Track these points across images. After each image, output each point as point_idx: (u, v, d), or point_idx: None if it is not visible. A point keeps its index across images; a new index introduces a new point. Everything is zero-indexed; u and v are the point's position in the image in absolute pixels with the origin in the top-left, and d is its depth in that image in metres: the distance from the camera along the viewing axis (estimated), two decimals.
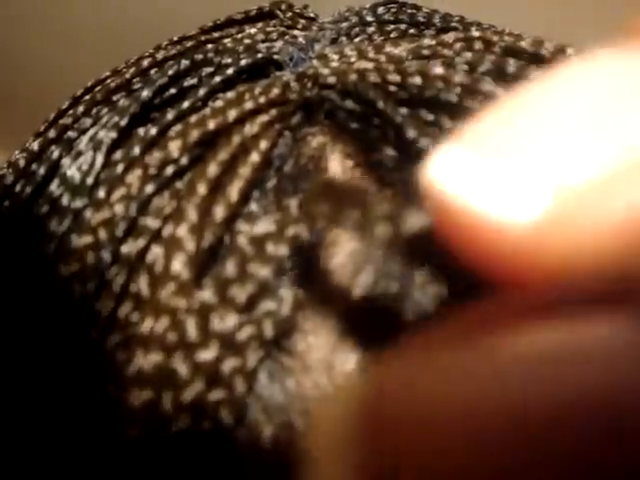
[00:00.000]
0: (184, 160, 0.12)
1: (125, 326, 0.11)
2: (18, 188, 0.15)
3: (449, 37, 0.16)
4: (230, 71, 0.16)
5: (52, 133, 0.16)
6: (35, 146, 0.16)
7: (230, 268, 0.11)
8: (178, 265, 0.11)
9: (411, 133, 0.12)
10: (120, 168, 0.13)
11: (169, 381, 0.10)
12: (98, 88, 0.17)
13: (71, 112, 0.16)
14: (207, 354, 0.10)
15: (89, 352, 0.11)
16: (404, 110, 0.12)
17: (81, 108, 0.16)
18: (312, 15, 0.22)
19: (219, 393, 0.10)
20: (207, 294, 0.10)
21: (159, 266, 0.11)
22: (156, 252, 0.11)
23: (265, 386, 0.10)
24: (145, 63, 0.17)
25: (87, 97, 0.17)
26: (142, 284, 0.11)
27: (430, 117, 0.12)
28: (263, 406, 0.10)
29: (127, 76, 0.17)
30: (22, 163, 0.15)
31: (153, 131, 0.14)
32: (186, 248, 0.11)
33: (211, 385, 0.10)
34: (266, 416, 0.10)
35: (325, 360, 0.10)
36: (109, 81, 0.17)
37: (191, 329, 0.10)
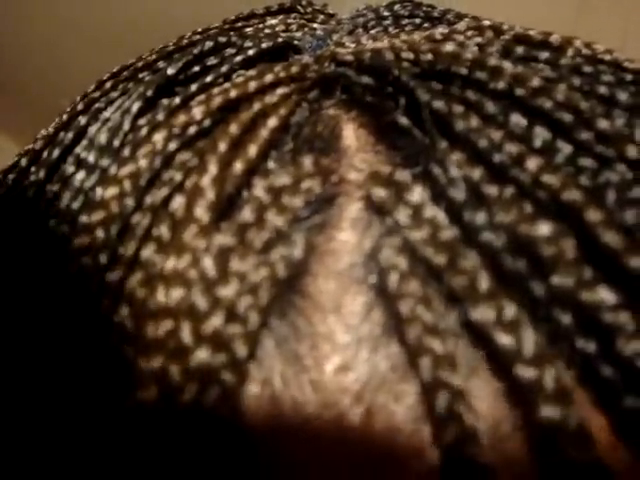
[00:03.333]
0: (207, 122, 0.13)
1: (147, 265, 0.11)
2: (45, 154, 0.16)
3: (461, 25, 0.17)
4: (251, 52, 0.17)
5: (80, 106, 0.17)
6: (64, 117, 0.17)
7: (248, 215, 0.11)
8: (199, 210, 0.11)
9: (424, 97, 0.13)
10: (145, 130, 0.14)
11: (189, 313, 0.10)
12: (124, 70, 0.18)
13: (99, 88, 0.18)
14: (226, 290, 0.11)
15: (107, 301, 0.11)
16: (418, 80, 0.13)
17: (108, 85, 0.17)
18: (331, 12, 0.23)
19: (235, 327, 0.10)
20: (226, 237, 0.11)
21: (181, 212, 0.12)
22: (179, 200, 0.12)
23: (277, 323, 0.11)
24: (170, 48, 0.19)
25: (112, 79, 0.18)
26: (164, 228, 0.12)
27: (439, 87, 0.13)
28: (275, 341, 0.11)
29: (153, 57, 0.18)
30: (51, 131, 0.17)
31: (177, 100, 0.15)
32: (207, 196, 0.12)
33: (229, 319, 0.10)
34: (278, 350, 0.11)
35: (334, 300, 0.11)
36: (135, 63, 0.18)
37: (210, 267, 0.11)
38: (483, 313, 0.10)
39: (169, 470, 0.10)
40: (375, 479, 0.10)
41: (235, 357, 0.10)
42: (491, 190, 0.12)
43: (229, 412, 0.10)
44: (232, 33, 0.19)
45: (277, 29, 0.20)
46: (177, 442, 0.10)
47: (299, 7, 0.22)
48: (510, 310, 0.10)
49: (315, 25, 0.21)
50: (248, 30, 0.20)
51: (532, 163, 0.12)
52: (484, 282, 0.11)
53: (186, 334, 0.10)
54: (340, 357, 0.11)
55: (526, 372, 0.10)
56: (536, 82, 0.13)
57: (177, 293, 0.11)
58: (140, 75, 0.17)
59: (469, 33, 0.16)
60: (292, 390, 0.10)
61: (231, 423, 0.10)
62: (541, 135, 0.12)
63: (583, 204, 0.11)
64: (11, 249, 0.14)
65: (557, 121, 0.12)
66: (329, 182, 0.12)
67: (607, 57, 0.16)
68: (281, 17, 0.21)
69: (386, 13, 0.20)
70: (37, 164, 0.15)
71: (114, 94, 0.17)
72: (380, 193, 0.12)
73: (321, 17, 0.22)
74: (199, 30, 0.21)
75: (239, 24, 0.21)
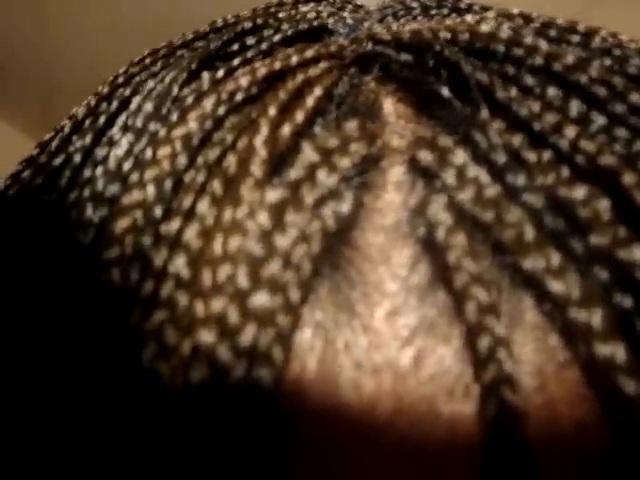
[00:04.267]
0: (254, 90, 0.14)
1: (203, 218, 0.12)
2: (88, 122, 0.16)
3: (490, 13, 0.18)
4: (289, 32, 0.17)
5: (121, 79, 0.18)
6: (104, 90, 0.17)
7: (300, 172, 0.12)
8: (253, 167, 0.12)
9: (467, 68, 0.13)
10: (192, 98, 0.15)
11: (247, 259, 0.11)
12: (159, 50, 0.19)
13: (138, 64, 0.18)
14: (281, 240, 0.11)
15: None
16: (459, 54, 0.14)
17: (148, 60, 0.18)
18: (359, 3, 0.24)
19: (290, 274, 0.11)
20: (280, 191, 0.12)
21: (234, 168, 0.12)
22: (231, 159, 0.13)
23: (329, 272, 0.11)
24: (206, 29, 0.19)
25: (150, 57, 0.19)
26: (217, 184, 0.12)
27: (481, 62, 0.14)
28: (327, 289, 0.11)
29: (189, 38, 0.19)
30: (92, 102, 0.17)
31: (220, 72, 0.15)
32: (260, 154, 0.12)
33: (284, 265, 0.11)
34: (330, 297, 0.11)
35: (382, 252, 0.12)
36: (171, 43, 0.19)
37: (265, 218, 0.11)
38: (533, 262, 0.11)
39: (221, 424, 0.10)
40: (424, 423, 0.10)
41: (289, 301, 0.11)
42: (530, 155, 0.12)
43: (283, 356, 0.11)
44: (267, 17, 0.20)
45: (309, 16, 0.21)
46: (228, 393, 0.10)
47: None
48: (557, 259, 0.11)
49: (345, 14, 0.22)
50: (282, 15, 0.21)
51: (570, 131, 0.12)
52: (530, 234, 0.11)
53: (244, 279, 0.11)
54: (390, 303, 0.11)
55: (578, 314, 0.10)
56: (571, 59, 0.14)
57: (235, 242, 0.11)
58: (179, 52, 0.18)
59: (500, 19, 0.17)
60: (344, 334, 0.11)
61: (282, 369, 0.11)
62: (576, 107, 0.13)
63: (618, 168, 0.12)
64: (56, 210, 0.15)
65: (592, 94, 0.13)
66: (374, 146, 0.13)
67: (632, 45, 0.16)
68: (312, 5, 0.22)
69: (414, 4, 0.21)
70: (81, 132, 0.16)
71: (154, 68, 0.17)
72: (426, 156, 0.13)
73: (350, 7, 0.23)
74: (231, 16, 0.22)
75: (272, 10, 0.21)
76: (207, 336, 0.11)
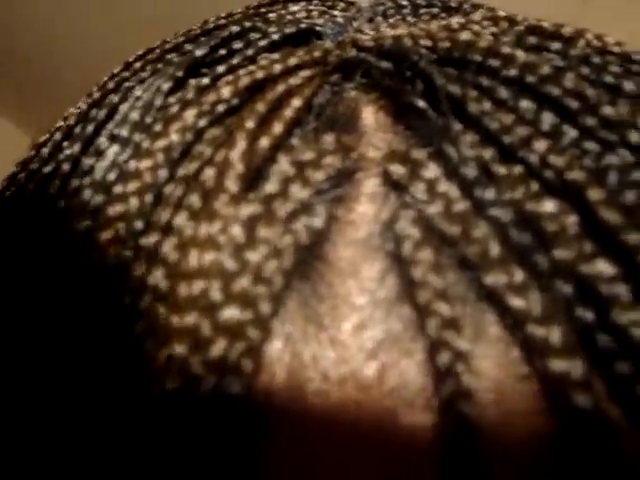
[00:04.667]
0: (235, 101, 0.14)
1: (180, 231, 0.12)
2: (78, 130, 0.17)
3: (477, 15, 0.18)
4: (276, 37, 0.18)
5: (111, 85, 0.18)
6: (95, 95, 0.18)
7: (274, 186, 0.13)
8: (229, 181, 0.13)
9: (440, 81, 0.13)
10: (176, 108, 0.15)
11: (220, 274, 0.12)
12: (151, 52, 0.19)
13: (127, 69, 0.19)
14: (253, 255, 0.12)
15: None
16: (435, 66, 0.14)
17: (137, 65, 0.18)
18: (351, 0, 0.24)
19: (261, 288, 0.12)
20: (253, 206, 0.12)
21: (211, 182, 0.13)
22: (209, 173, 0.13)
23: (299, 285, 0.12)
24: (196, 31, 0.20)
25: (141, 59, 0.19)
26: (195, 198, 0.13)
27: (455, 72, 0.14)
28: (297, 302, 0.12)
29: (180, 40, 0.19)
30: (83, 108, 0.18)
31: (206, 80, 0.16)
32: (236, 168, 0.13)
33: (255, 280, 0.12)
34: (300, 310, 0.12)
35: (353, 265, 0.12)
36: (161, 45, 0.19)
37: (239, 233, 0.12)
38: (495, 278, 0.11)
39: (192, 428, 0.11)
40: (385, 432, 0.11)
41: (260, 314, 0.11)
42: (500, 169, 0.13)
43: (252, 367, 0.11)
44: (256, 18, 0.20)
45: (298, 15, 0.21)
46: (200, 401, 0.11)
47: None
48: (519, 276, 0.11)
49: (335, 12, 0.22)
50: (271, 16, 0.21)
51: (540, 145, 0.13)
52: (495, 250, 0.12)
53: (216, 293, 0.11)
54: (357, 317, 0.12)
55: (536, 330, 0.11)
56: (546, 70, 0.14)
57: (209, 256, 0.12)
58: (168, 56, 0.18)
59: (485, 23, 0.17)
60: (312, 346, 0.11)
61: (251, 379, 0.11)
62: (548, 119, 0.13)
63: (586, 184, 0.12)
64: (46, 218, 0.15)
65: (564, 107, 0.13)
66: (349, 158, 0.13)
67: (616, 49, 0.17)
68: (303, 4, 0.22)
69: (404, 2, 0.21)
70: (71, 139, 0.17)
71: (144, 74, 0.18)
72: (398, 169, 0.13)
73: (341, 5, 0.23)
74: (223, 15, 0.22)
75: (262, 10, 0.21)
76: (180, 348, 0.11)
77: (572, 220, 0.12)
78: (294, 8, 0.21)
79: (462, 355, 0.11)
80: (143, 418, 0.11)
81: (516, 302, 0.11)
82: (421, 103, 0.14)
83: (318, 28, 0.19)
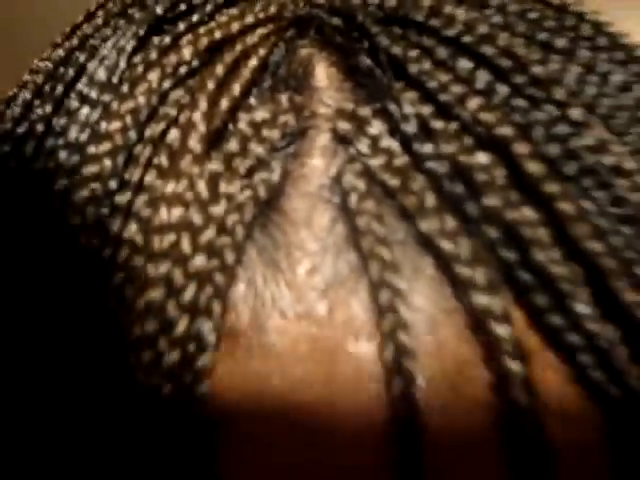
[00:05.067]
0: (195, 62, 0.16)
1: (150, 189, 0.14)
2: (47, 88, 0.18)
3: None
4: None
5: (75, 41, 0.19)
6: (60, 52, 0.19)
7: (234, 145, 0.14)
8: (192, 142, 0.14)
9: (383, 42, 0.15)
10: (140, 69, 0.16)
11: (188, 228, 0.13)
12: (112, 3, 0.20)
13: (90, 23, 0.19)
14: (217, 209, 0.13)
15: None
16: (379, 26, 0.15)
17: (99, 20, 0.19)
18: None
19: (225, 239, 0.13)
20: (216, 164, 0.14)
21: (177, 143, 0.14)
22: (174, 133, 0.14)
23: (259, 236, 0.14)
24: None
25: (102, 11, 0.20)
26: (163, 157, 0.14)
27: (399, 32, 0.15)
28: (257, 250, 0.13)
29: None
30: (50, 66, 0.18)
31: (167, 40, 0.17)
32: (199, 129, 0.14)
33: (219, 232, 0.13)
34: (259, 257, 0.13)
35: (305, 216, 0.14)
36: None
37: (203, 190, 0.13)
38: (430, 225, 0.13)
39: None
40: (335, 363, 0.13)
41: (225, 262, 0.13)
42: (437, 125, 0.14)
43: (220, 309, 0.13)
44: None
45: None
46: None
47: None
48: (451, 222, 0.13)
49: None
50: None
51: (473, 102, 0.14)
52: (430, 200, 0.13)
53: (186, 245, 0.13)
54: (310, 262, 0.13)
55: (463, 270, 0.13)
56: (483, 29, 0.15)
57: (177, 212, 0.13)
58: (130, 11, 0.19)
59: None
60: (271, 288, 0.13)
61: (220, 319, 0.13)
62: (483, 78, 0.15)
63: (513, 138, 0.14)
64: (24, 178, 0.16)
65: (497, 66, 0.15)
66: (302, 116, 0.15)
67: (555, 1, 0.18)
68: None
69: None
70: (41, 98, 0.17)
71: (107, 31, 0.19)
72: (345, 126, 0.14)
73: None
74: None
75: None
76: (156, 294, 0.13)
77: (500, 172, 0.14)
78: None
79: (400, 293, 0.13)
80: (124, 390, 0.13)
81: (447, 246, 0.13)
82: (367, 62, 0.15)
83: None
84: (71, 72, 0.17)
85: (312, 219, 0.14)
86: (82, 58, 0.18)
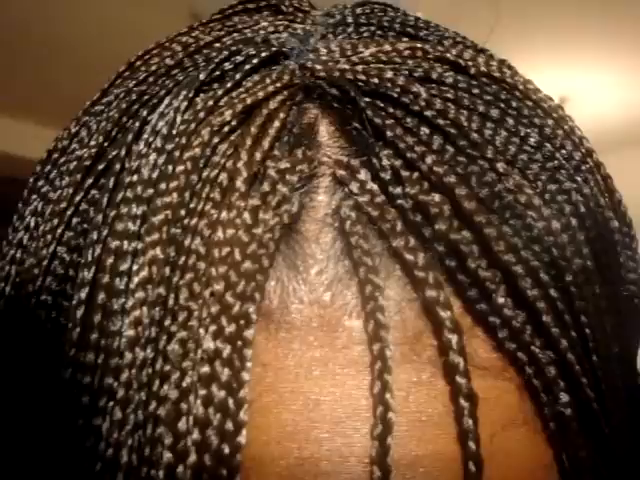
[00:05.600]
0: (234, 122, 0.22)
1: (208, 215, 0.20)
2: (120, 136, 0.24)
3: (400, 45, 0.25)
4: (255, 60, 0.25)
5: (134, 96, 0.25)
6: (122, 105, 0.25)
7: (266, 187, 0.20)
8: (239, 183, 0.20)
9: (369, 113, 0.21)
10: (192, 125, 0.22)
11: (238, 242, 0.20)
12: (154, 61, 0.26)
13: (136, 77, 0.25)
14: (257, 231, 0.20)
15: None
16: (366, 99, 0.22)
17: (150, 78, 0.25)
18: (307, 8, 0.31)
19: (262, 250, 0.20)
20: (255, 200, 0.20)
21: (225, 183, 0.20)
22: (223, 176, 0.21)
23: (284, 248, 0.20)
24: (187, 44, 0.26)
25: (145, 66, 0.26)
26: (216, 194, 0.21)
27: (381, 105, 0.22)
28: (282, 258, 0.20)
29: (179, 53, 0.26)
30: (115, 116, 0.24)
31: (210, 103, 0.23)
32: (243, 174, 0.21)
33: (259, 247, 0.20)
34: (284, 263, 0.20)
35: (315, 235, 0.20)
36: (163, 57, 0.26)
37: (248, 218, 0.20)
38: (399, 242, 0.20)
39: None
40: (335, 332, 0.20)
41: (262, 266, 0.19)
42: (405, 174, 0.21)
43: (260, 297, 0.19)
44: (236, 35, 0.27)
45: (268, 30, 0.28)
46: None
47: (282, 7, 0.30)
48: (412, 241, 0.20)
49: (296, 25, 0.29)
50: (247, 31, 0.28)
51: (429, 159, 0.21)
52: (399, 226, 0.20)
53: (237, 254, 0.20)
54: (318, 266, 0.20)
55: (419, 272, 0.20)
56: (439, 105, 0.22)
57: (230, 232, 0.20)
58: (172, 72, 0.25)
59: (405, 53, 0.25)
60: (292, 284, 0.20)
61: (259, 304, 0.19)
62: (437, 141, 0.21)
63: (455, 184, 0.21)
64: (110, 204, 0.22)
65: (447, 133, 0.21)
66: (311, 165, 0.21)
67: (497, 74, 0.25)
68: (270, 20, 0.29)
69: (350, 19, 0.28)
70: (114, 144, 0.24)
71: (157, 89, 0.25)
72: (341, 172, 0.21)
73: (299, 16, 0.30)
74: (203, 21, 0.29)
75: (239, 26, 0.28)
76: (219, 287, 0.19)
77: (447, 206, 0.21)
78: (264, 24, 0.28)
79: (379, 287, 0.19)
80: None
81: (409, 257, 0.20)
82: (357, 125, 0.22)
83: (284, 49, 0.26)
84: (137, 125, 0.24)
85: (319, 237, 0.20)
86: (145, 112, 0.24)
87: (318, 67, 0.24)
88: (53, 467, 0.20)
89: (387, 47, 0.25)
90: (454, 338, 0.19)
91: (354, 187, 0.21)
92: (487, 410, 0.20)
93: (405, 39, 0.27)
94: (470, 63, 0.25)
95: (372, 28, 0.28)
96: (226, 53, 0.25)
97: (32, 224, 0.25)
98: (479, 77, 0.24)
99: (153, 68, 0.26)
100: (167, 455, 0.18)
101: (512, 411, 0.20)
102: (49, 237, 0.23)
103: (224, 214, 0.20)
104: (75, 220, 0.23)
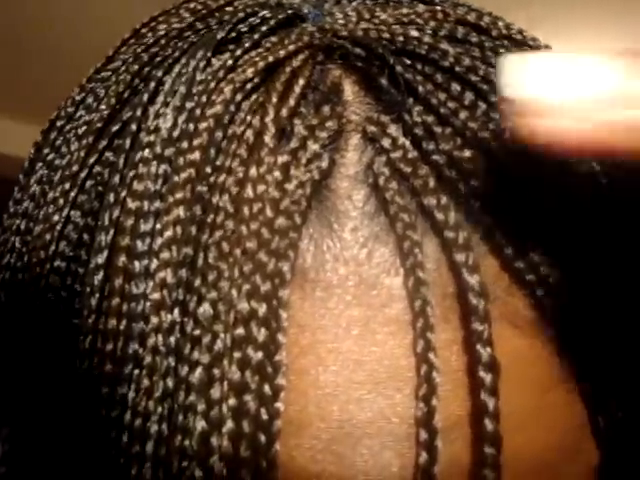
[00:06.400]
0: (257, 80, 0.21)
1: (236, 172, 0.20)
2: (132, 96, 0.23)
3: (419, 8, 0.25)
4: (272, 22, 0.24)
5: (145, 57, 0.24)
6: (135, 67, 0.24)
7: (296, 143, 0.20)
8: (267, 139, 0.20)
9: (399, 69, 0.21)
10: (213, 84, 0.21)
11: (269, 199, 0.19)
12: (162, 26, 0.25)
13: (144, 42, 0.25)
14: (289, 186, 0.19)
15: None
16: (395, 57, 0.21)
17: (163, 41, 0.24)
18: None
19: (295, 207, 0.19)
20: (285, 156, 0.19)
21: (252, 140, 0.20)
22: (249, 133, 0.20)
23: (316, 205, 0.19)
24: (197, 7, 0.26)
25: (153, 33, 0.25)
26: (243, 150, 0.20)
27: (409, 62, 0.22)
28: (315, 215, 0.19)
29: (187, 18, 0.25)
30: (128, 78, 0.24)
31: (229, 62, 0.22)
32: (271, 130, 0.20)
33: (292, 203, 0.19)
34: (317, 220, 0.19)
35: (347, 192, 0.20)
36: (170, 23, 0.25)
37: (279, 174, 0.19)
38: (430, 201, 0.19)
39: None
40: (371, 290, 0.19)
41: (295, 223, 0.19)
42: (438, 129, 0.20)
43: (293, 255, 0.19)
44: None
45: None
46: None
47: None
48: (444, 199, 0.19)
49: None
50: None
51: (462, 114, 0.20)
52: (432, 183, 0.19)
53: (269, 211, 0.19)
54: (352, 223, 0.19)
55: (448, 233, 0.19)
56: (467, 62, 0.21)
57: (261, 188, 0.19)
58: (185, 35, 0.25)
59: (426, 15, 0.24)
60: (326, 241, 0.19)
61: (293, 262, 0.19)
62: (469, 97, 0.21)
63: (489, 139, 0.20)
64: (129, 164, 0.21)
65: (479, 89, 0.21)
66: (340, 122, 0.21)
67: (518, 36, 0.24)
68: None
69: None
70: (127, 106, 0.23)
71: (170, 51, 0.24)
72: (371, 129, 0.20)
73: None
74: None
75: None
76: (251, 245, 0.18)
77: (482, 162, 0.20)
78: None
79: (417, 243, 0.19)
80: None
81: (440, 215, 0.19)
82: (385, 82, 0.21)
83: (300, 12, 0.25)
84: (152, 85, 0.23)
85: (352, 194, 0.20)
86: (159, 73, 0.23)
87: (339, 28, 0.24)
88: (77, 441, 0.19)
89: (406, 10, 0.25)
90: (480, 304, 0.19)
91: (386, 143, 0.20)
92: (527, 369, 0.19)
93: (421, 5, 0.26)
94: (491, 26, 0.24)
95: None
96: (241, 15, 0.25)
97: (38, 192, 0.24)
98: (501, 39, 0.24)
99: (162, 32, 0.25)
100: (201, 423, 0.17)
101: (551, 369, 0.20)
102: (61, 201, 0.22)
103: (253, 170, 0.19)
104: (89, 183, 0.22)
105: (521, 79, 0.14)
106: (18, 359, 0.22)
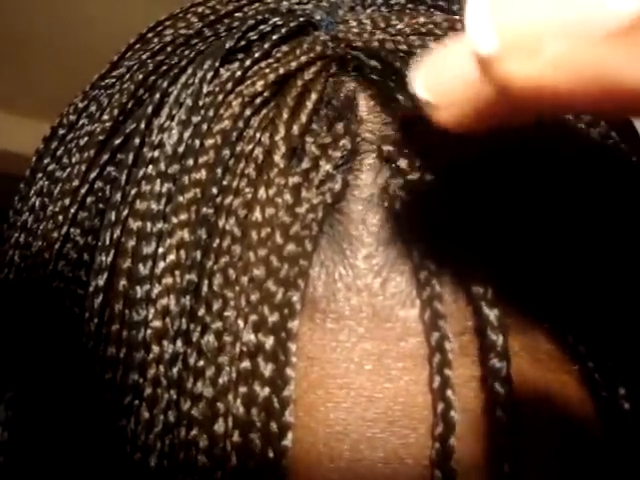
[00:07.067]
0: (267, 93, 0.20)
1: (244, 194, 0.19)
2: (137, 110, 0.22)
3: (439, 17, 0.24)
4: (283, 30, 0.23)
5: (150, 66, 0.23)
6: (139, 76, 0.23)
7: (308, 163, 0.19)
8: (277, 158, 0.19)
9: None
10: (221, 97, 0.21)
11: (279, 224, 0.18)
12: (169, 32, 0.24)
13: (149, 48, 0.24)
14: (300, 210, 0.18)
15: None
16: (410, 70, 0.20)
17: (169, 48, 0.24)
18: None
19: (306, 232, 0.18)
20: (296, 177, 0.18)
21: (261, 158, 0.19)
22: (258, 151, 0.19)
23: (328, 230, 0.19)
24: (205, 12, 0.25)
25: (160, 38, 0.24)
26: (251, 169, 0.19)
27: None
28: (327, 241, 0.18)
29: (195, 24, 0.24)
30: (132, 87, 0.23)
31: (238, 73, 0.21)
32: (281, 149, 0.19)
33: (303, 228, 0.18)
34: (328, 246, 0.18)
35: (361, 215, 0.19)
36: (177, 28, 0.24)
37: (289, 197, 0.18)
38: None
39: None
40: (385, 322, 0.18)
41: (306, 250, 0.18)
42: None
43: (304, 284, 0.18)
44: (258, 5, 0.25)
45: (292, 1, 0.26)
46: None
47: None
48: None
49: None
50: (269, 1, 0.26)
51: None
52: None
53: (278, 237, 0.18)
54: (366, 250, 0.18)
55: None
56: None
57: (270, 212, 0.18)
58: (192, 42, 0.24)
59: (444, 25, 0.23)
60: (338, 269, 0.18)
61: (303, 290, 0.18)
62: None
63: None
64: (131, 181, 0.20)
65: None
66: (355, 140, 0.20)
67: None
68: None
69: None
70: (132, 117, 0.22)
71: (176, 59, 0.23)
72: (388, 148, 0.19)
73: None
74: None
75: None
76: (259, 272, 0.18)
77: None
78: None
79: (435, 273, 0.18)
80: None
81: None
82: (401, 97, 0.20)
83: (313, 20, 0.24)
84: (157, 96, 0.22)
85: (366, 218, 0.19)
86: (165, 84, 0.22)
87: (353, 38, 0.23)
88: (76, 468, 0.18)
89: (423, 19, 0.24)
90: (499, 339, 0.18)
91: (402, 164, 0.19)
92: (548, 402, 0.18)
93: (438, 13, 0.25)
94: None
95: (402, 1, 0.26)
96: (251, 22, 0.24)
97: (37, 205, 0.23)
98: None
99: (168, 39, 0.24)
100: (202, 460, 0.16)
101: (572, 405, 0.19)
102: (60, 218, 0.21)
103: (261, 192, 0.18)
104: (90, 199, 0.21)
105: None
106: (14, 377, 0.21)
